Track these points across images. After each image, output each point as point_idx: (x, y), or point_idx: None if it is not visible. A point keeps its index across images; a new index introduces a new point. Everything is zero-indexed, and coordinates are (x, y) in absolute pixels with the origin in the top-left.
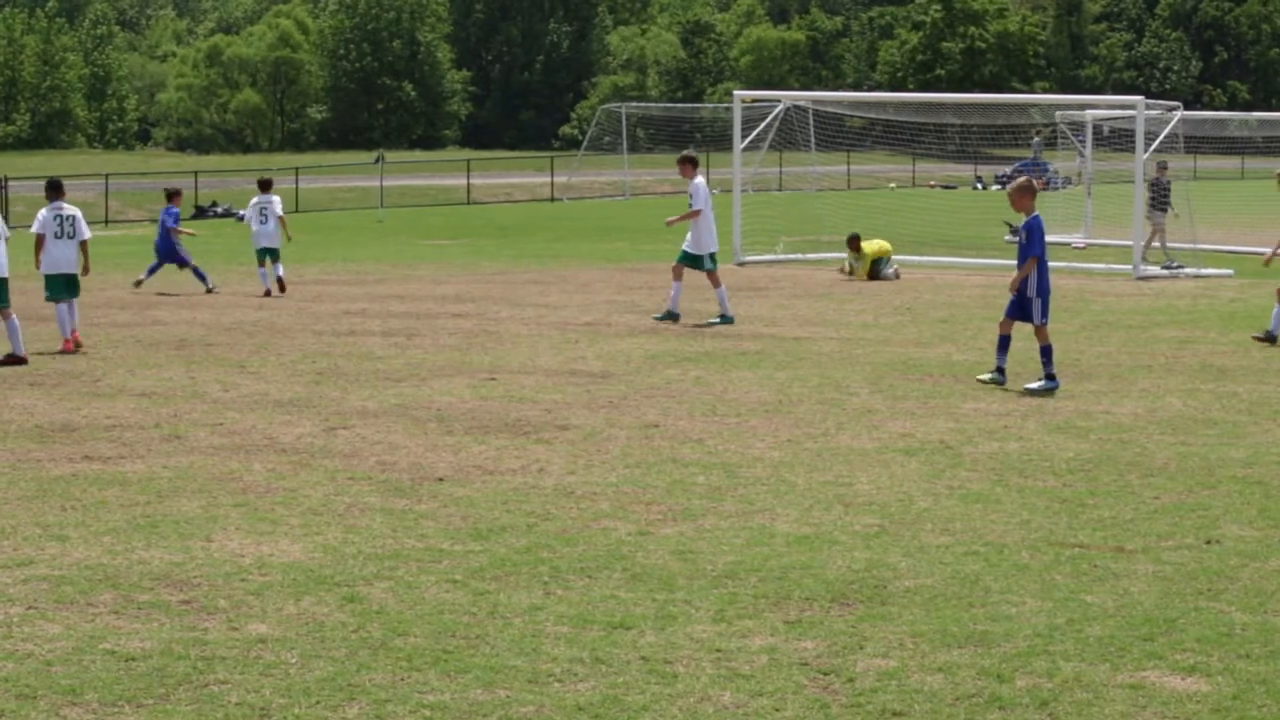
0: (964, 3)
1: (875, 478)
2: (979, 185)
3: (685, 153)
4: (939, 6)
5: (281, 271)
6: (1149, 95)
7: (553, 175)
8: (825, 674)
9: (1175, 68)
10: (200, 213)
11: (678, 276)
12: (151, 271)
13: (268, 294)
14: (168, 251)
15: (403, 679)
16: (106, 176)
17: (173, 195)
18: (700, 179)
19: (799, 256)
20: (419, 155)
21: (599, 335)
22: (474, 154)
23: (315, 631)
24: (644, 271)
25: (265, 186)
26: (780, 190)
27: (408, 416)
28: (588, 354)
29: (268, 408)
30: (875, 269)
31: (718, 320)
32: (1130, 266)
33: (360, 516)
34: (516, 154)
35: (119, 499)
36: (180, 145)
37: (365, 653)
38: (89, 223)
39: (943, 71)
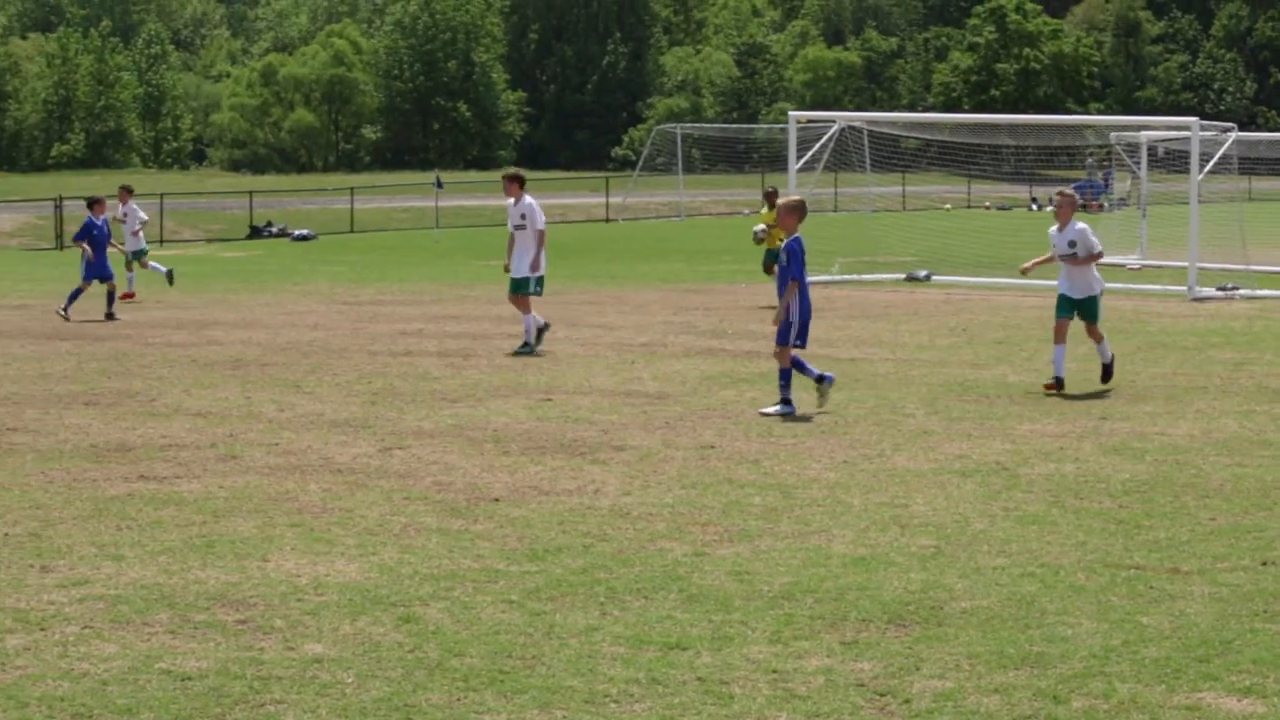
0: (1019, 24)
1: (931, 499)
2: (1034, 206)
3: (510, 170)
4: (993, 28)
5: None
6: (1204, 117)
7: (608, 196)
8: (881, 695)
9: (1230, 89)
10: (255, 233)
11: (525, 309)
12: (91, 291)
13: (129, 296)
14: (100, 266)
15: (459, 700)
16: (161, 196)
17: (94, 204)
18: (531, 198)
19: (855, 277)
20: (474, 176)
21: (655, 356)
22: (529, 174)
23: (371, 652)
24: (700, 292)
25: (129, 193)
26: (835, 211)
27: (464, 437)
28: (644, 375)
29: (323, 428)
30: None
31: (525, 348)
32: (1185, 288)
33: (416, 537)
34: (571, 175)
35: (175, 519)
36: (235, 165)
37: (421, 673)
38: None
39: (997, 93)
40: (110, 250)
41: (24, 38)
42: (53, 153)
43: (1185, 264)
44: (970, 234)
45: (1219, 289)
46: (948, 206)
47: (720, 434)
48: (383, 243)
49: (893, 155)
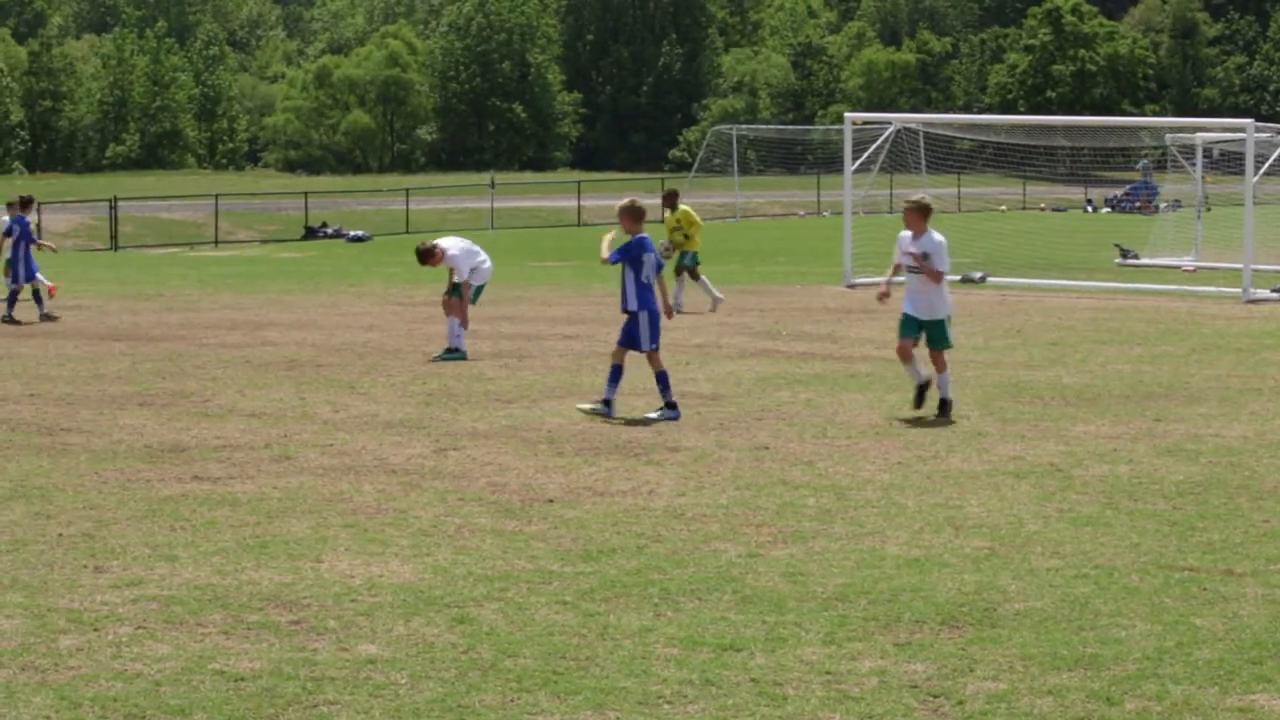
0: (1074, 25)
1: (985, 500)
2: (1089, 208)
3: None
4: (1049, 29)
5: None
6: (1261, 118)
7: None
8: (935, 696)
9: None
10: (310, 233)
11: (454, 312)
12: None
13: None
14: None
15: (513, 700)
16: (216, 197)
17: (26, 204)
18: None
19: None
20: (529, 177)
21: (709, 357)
22: (585, 176)
23: (425, 652)
24: (756, 294)
25: (26, 205)
26: (891, 212)
27: (518, 438)
28: (698, 376)
29: (378, 429)
30: (685, 265)
31: (445, 355)
32: (1240, 289)
33: (470, 538)
34: (627, 176)
35: (228, 519)
36: (290, 166)
37: (475, 674)
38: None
39: (1053, 94)
40: (35, 249)
41: (79, 38)
42: (108, 153)
43: (1240, 266)
44: (1025, 235)
45: (1273, 290)
46: (1003, 208)
47: (774, 435)
48: None
49: (948, 157)
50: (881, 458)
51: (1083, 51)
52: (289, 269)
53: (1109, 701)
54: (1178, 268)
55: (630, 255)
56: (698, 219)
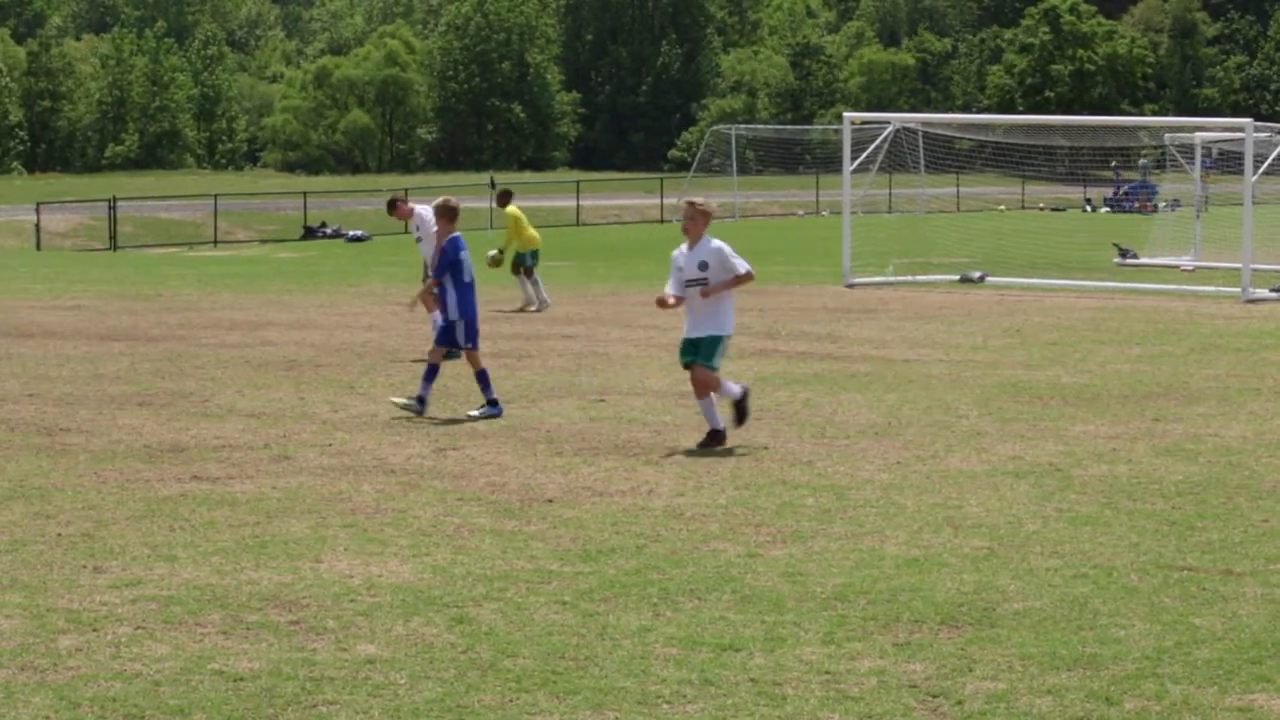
0: (1073, 25)
1: (984, 500)
2: (1088, 207)
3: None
4: (1047, 29)
5: None
6: (1261, 118)
7: (662, 197)
8: (934, 696)
9: None
10: (309, 233)
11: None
12: None
13: None
14: None
15: (512, 700)
16: (215, 197)
17: None
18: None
19: (909, 279)
20: (529, 177)
21: None
22: (583, 175)
23: (424, 652)
24: (755, 294)
25: None
26: (890, 212)
27: (517, 438)
28: None
29: (377, 429)
30: (522, 264)
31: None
32: (1239, 289)
33: (469, 538)
34: (626, 176)
35: (227, 519)
36: (289, 166)
37: (474, 674)
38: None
39: (1052, 94)
40: None
41: (79, 39)
42: (107, 153)
43: (1239, 265)
44: (1024, 235)
45: (1273, 290)
46: (1002, 208)
47: (773, 435)
48: None
49: (947, 156)
50: (880, 457)
51: (1081, 51)
52: (288, 269)
53: (1108, 701)
54: (1176, 267)
55: (448, 260)
56: (523, 220)
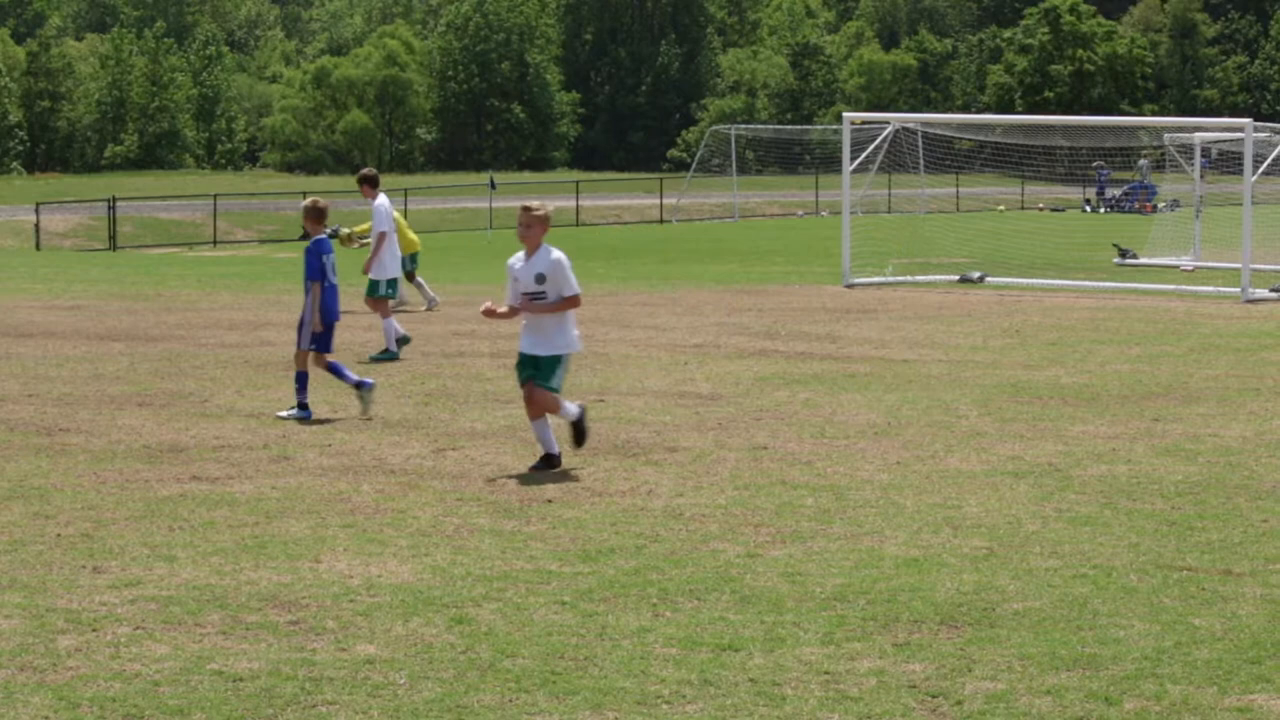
0: (1072, 25)
1: (984, 500)
2: (1088, 208)
3: (364, 170)
4: (1047, 29)
5: None
6: (1261, 118)
7: (661, 197)
8: (933, 696)
9: None
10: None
11: (385, 312)
12: None
13: None
14: None
15: (511, 700)
16: (215, 197)
17: None
18: (383, 199)
19: (908, 279)
20: (528, 177)
21: (708, 357)
22: (583, 175)
23: (424, 653)
24: (753, 294)
25: None
26: (889, 212)
27: (516, 438)
28: (697, 376)
29: (376, 429)
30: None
31: (382, 355)
32: (1238, 289)
33: (469, 538)
34: (626, 176)
35: (227, 519)
36: (288, 167)
37: (474, 674)
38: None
39: (1051, 94)
40: None
41: (79, 39)
42: (106, 154)
43: (1239, 265)
44: (1024, 235)
45: (1272, 290)
46: (1001, 208)
47: (773, 435)
48: (436, 243)
49: (946, 156)
50: (880, 458)
51: (1081, 51)
52: (287, 269)
53: (1107, 701)
54: (1176, 267)
55: (314, 264)
56: (403, 223)
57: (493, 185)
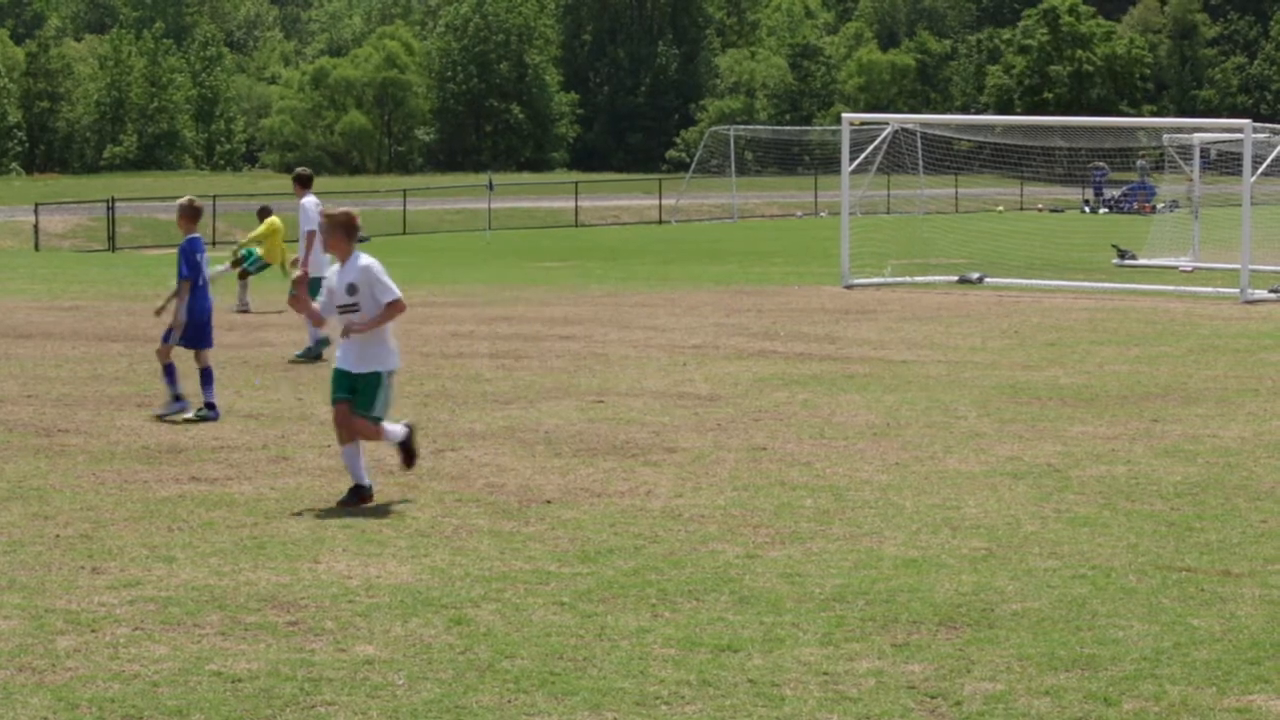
0: (1071, 26)
1: (983, 501)
2: (1086, 208)
3: (299, 170)
4: (1046, 30)
5: None
6: (1260, 119)
7: (660, 198)
8: (932, 697)
9: None
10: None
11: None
12: None
13: None
14: None
15: (510, 701)
16: (214, 198)
17: None
18: (311, 198)
19: (907, 280)
20: (527, 178)
21: (707, 358)
22: (582, 176)
23: (422, 653)
24: (752, 294)
25: None
26: (888, 213)
27: (515, 439)
28: (696, 376)
29: None
30: (244, 265)
31: (301, 355)
32: (1237, 290)
33: (468, 538)
34: (625, 177)
35: (226, 520)
36: (287, 168)
37: (472, 674)
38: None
39: (1050, 95)
40: None
41: (79, 39)
42: (105, 154)
43: (1238, 266)
44: (1023, 236)
45: (1271, 290)
46: (1000, 208)
47: (772, 436)
48: (435, 244)
49: (945, 157)
50: (879, 458)
51: (1080, 52)
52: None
53: (1106, 702)
54: (1175, 268)
55: (188, 262)
56: (282, 234)
57: (491, 186)
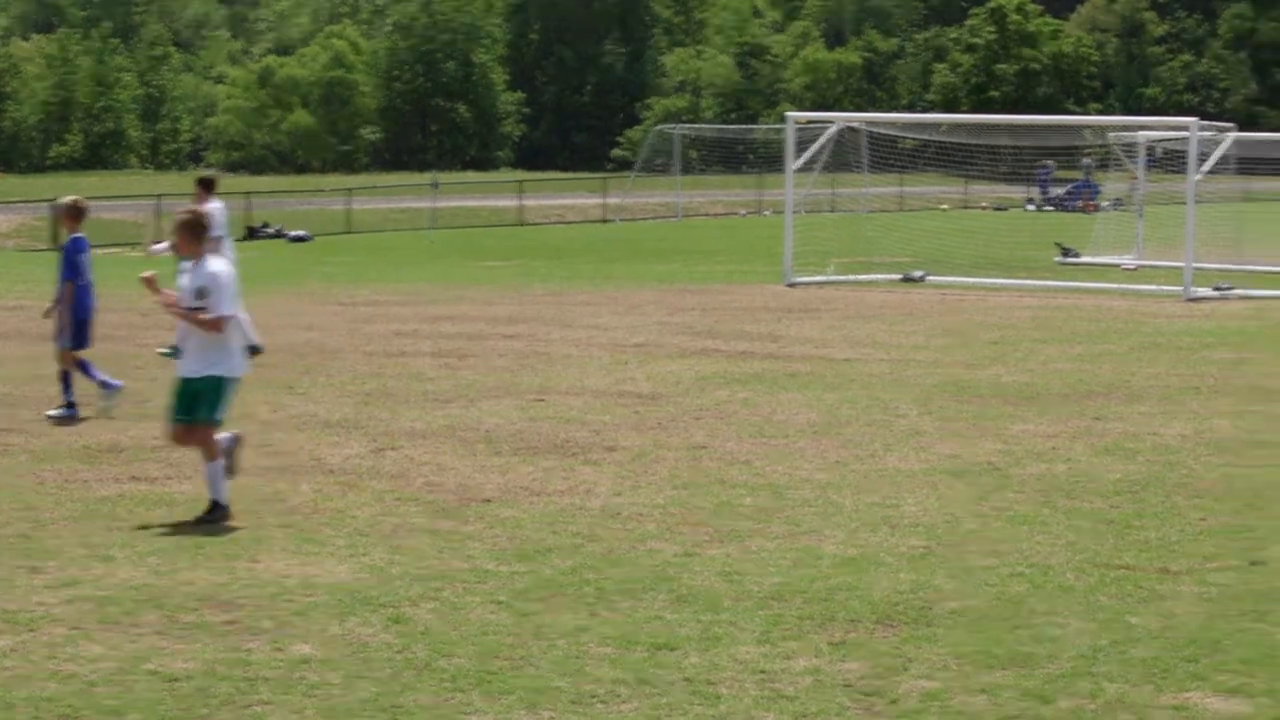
0: (1019, 24)
1: (922, 499)
2: (1030, 206)
3: (202, 175)
4: (993, 28)
5: None
6: (1207, 117)
7: (605, 197)
8: (869, 695)
9: (1236, 89)
10: (251, 233)
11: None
12: None
13: None
14: None
15: (447, 700)
16: (159, 197)
17: None
18: (216, 203)
19: (850, 278)
20: (472, 176)
21: (649, 357)
22: (527, 175)
23: (359, 652)
24: (696, 293)
25: None
26: (832, 212)
27: (456, 438)
28: (637, 375)
29: (316, 429)
30: None
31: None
32: (1181, 288)
33: (406, 537)
34: (569, 176)
35: (165, 519)
36: (232, 166)
37: (409, 674)
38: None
39: (997, 93)
40: None
41: (26, 39)
42: (51, 154)
43: (1182, 264)
44: (967, 234)
45: (1216, 289)
46: (944, 207)
47: (712, 434)
48: (379, 243)
49: (890, 155)
50: (819, 457)
51: (1027, 50)
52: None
53: (1043, 700)
54: (1118, 266)
55: (70, 262)
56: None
57: (436, 185)
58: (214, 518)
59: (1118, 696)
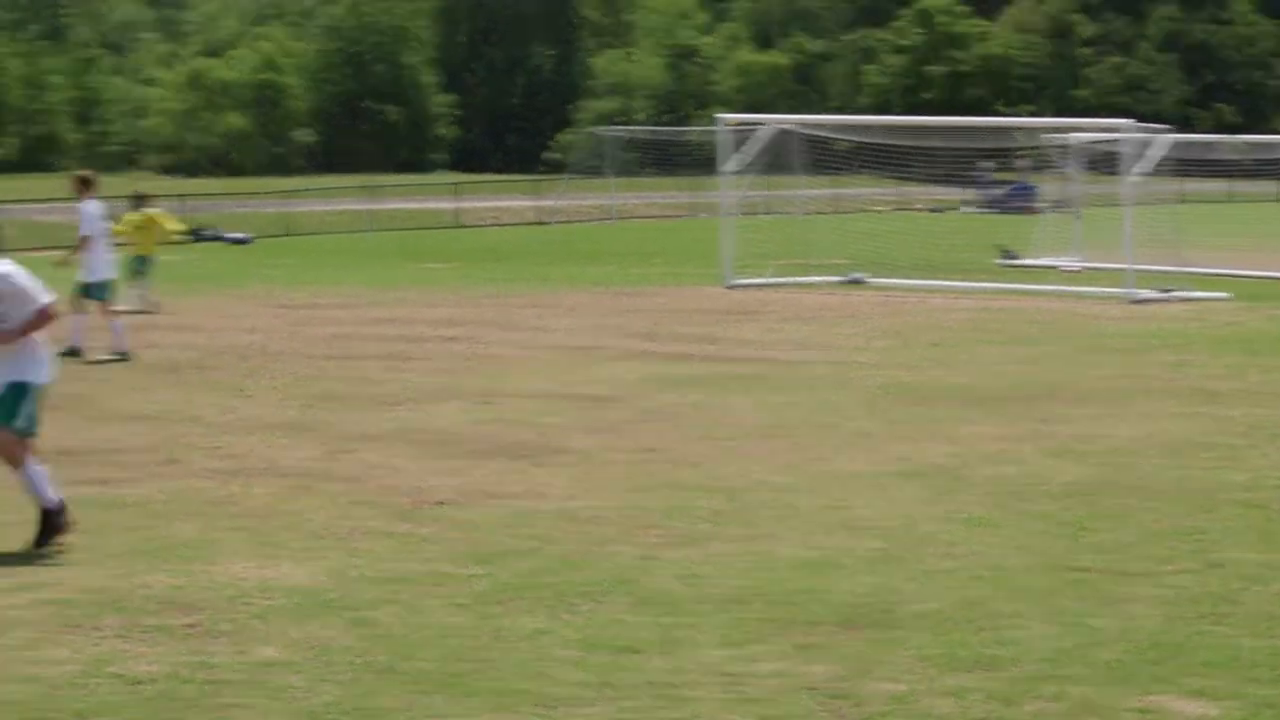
0: (946, 26)
1: (876, 502)
2: (968, 209)
3: (80, 173)
4: (921, 30)
5: None
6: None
7: (539, 199)
8: (834, 698)
9: (1167, 91)
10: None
11: (78, 309)
12: None
13: None
14: None
15: (410, 703)
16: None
17: None
18: (93, 202)
19: (789, 280)
20: (406, 179)
21: (592, 359)
22: (461, 177)
23: (322, 655)
24: (633, 295)
25: None
26: (768, 214)
27: (407, 440)
28: (582, 378)
29: (266, 431)
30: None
31: (113, 356)
32: (1124, 290)
33: (363, 540)
34: (504, 178)
35: (119, 522)
36: (167, 169)
37: (371, 677)
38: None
39: (928, 95)
40: None
41: None
42: None
43: (1123, 266)
44: (905, 236)
45: (1162, 291)
46: (879, 209)
47: (661, 437)
48: (318, 246)
49: (824, 157)
50: (770, 459)
51: (956, 52)
52: (169, 271)
53: (1008, 702)
54: (1055, 268)
55: None
56: (138, 222)
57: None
58: (52, 527)
59: (1083, 699)
